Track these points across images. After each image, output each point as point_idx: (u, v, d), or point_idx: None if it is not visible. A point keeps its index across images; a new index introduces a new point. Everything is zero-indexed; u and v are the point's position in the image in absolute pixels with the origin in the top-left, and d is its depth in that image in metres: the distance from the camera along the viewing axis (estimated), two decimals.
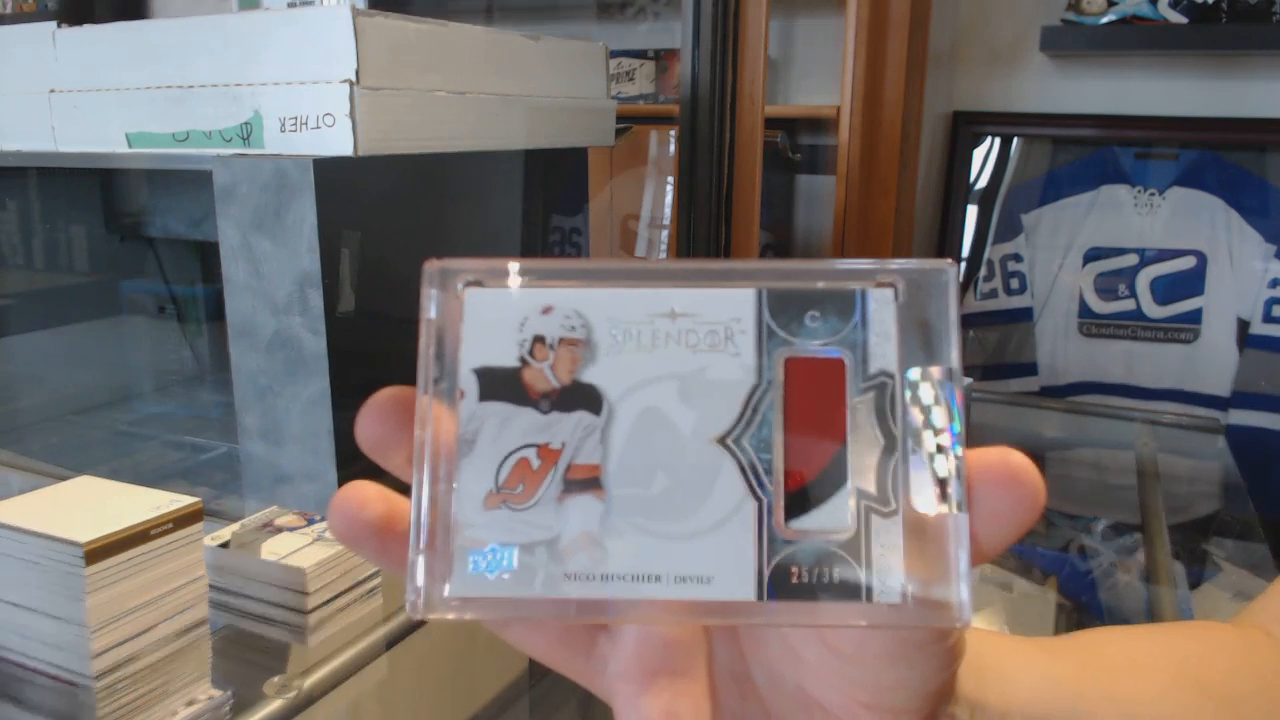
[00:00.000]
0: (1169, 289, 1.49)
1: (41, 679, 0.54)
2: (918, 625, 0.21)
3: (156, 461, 0.97)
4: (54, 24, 0.86)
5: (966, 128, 1.58)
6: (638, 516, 0.22)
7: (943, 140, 1.61)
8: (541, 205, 1.10)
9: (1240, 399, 1.45)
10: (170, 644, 0.57)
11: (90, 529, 0.52)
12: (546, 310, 0.22)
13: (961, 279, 1.61)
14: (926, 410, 0.22)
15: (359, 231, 0.80)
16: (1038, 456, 1.15)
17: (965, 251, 1.61)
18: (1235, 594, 0.83)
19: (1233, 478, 1.10)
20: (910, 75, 1.41)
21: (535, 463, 0.22)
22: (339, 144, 0.74)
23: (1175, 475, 1.12)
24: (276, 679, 0.61)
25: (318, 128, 0.75)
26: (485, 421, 0.22)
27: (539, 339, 0.22)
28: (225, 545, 0.66)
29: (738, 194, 1.29)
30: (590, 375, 0.22)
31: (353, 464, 0.79)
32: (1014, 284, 1.57)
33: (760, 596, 0.21)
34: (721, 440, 0.22)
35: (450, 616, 0.22)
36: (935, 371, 0.22)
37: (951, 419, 0.21)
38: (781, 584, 0.21)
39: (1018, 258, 1.57)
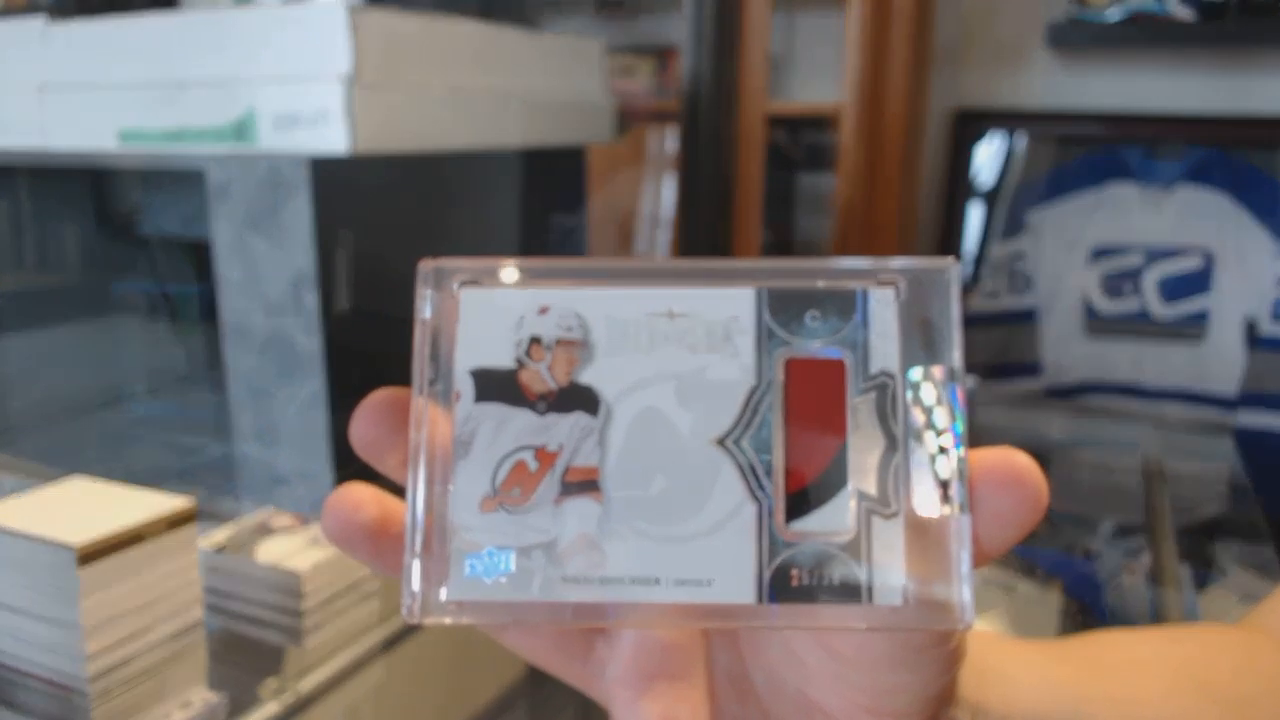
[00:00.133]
0: (1176, 288, 1.49)
1: (35, 682, 0.54)
2: (919, 628, 0.21)
3: (150, 462, 0.96)
4: (45, 19, 0.86)
5: (971, 125, 1.58)
6: (636, 519, 0.22)
7: (947, 137, 1.60)
8: (540, 203, 1.10)
9: (1248, 399, 1.45)
10: (165, 647, 0.56)
11: (83, 531, 0.52)
12: (543, 310, 0.22)
13: (966, 278, 1.60)
14: (928, 410, 0.21)
15: (354, 230, 0.80)
16: (1042, 457, 1.14)
17: (969, 250, 1.60)
18: (1242, 597, 0.82)
19: (1240, 479, 1.10)
20: (914, 72, 1.41)
21: (532, 465, 0.22)
22: (334, 142, 0.74)
23: (1182, 477, 1.12)
24: (272, 682, 0.61)
25: (312, 125, 0.74)
26: (481, 423, 0.22)
27: (535, 339, 0.22)
28: (220, 547, 0.66)
29: (739, 192, 1.28)
30: (588, 376, 0.22)
31: (349, 465, 0.79)
32: (1019, 283, 1.57)
33: (760, 599, 0.21)
34: (721, 441, 0.22)
35: (447, 620, 0.22)
36: (937, 371, 0.21)
37: (953, 419, 0.21)
38: (781, 586, 0.21)
39: (1022, 256, 1.57)
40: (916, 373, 0.21)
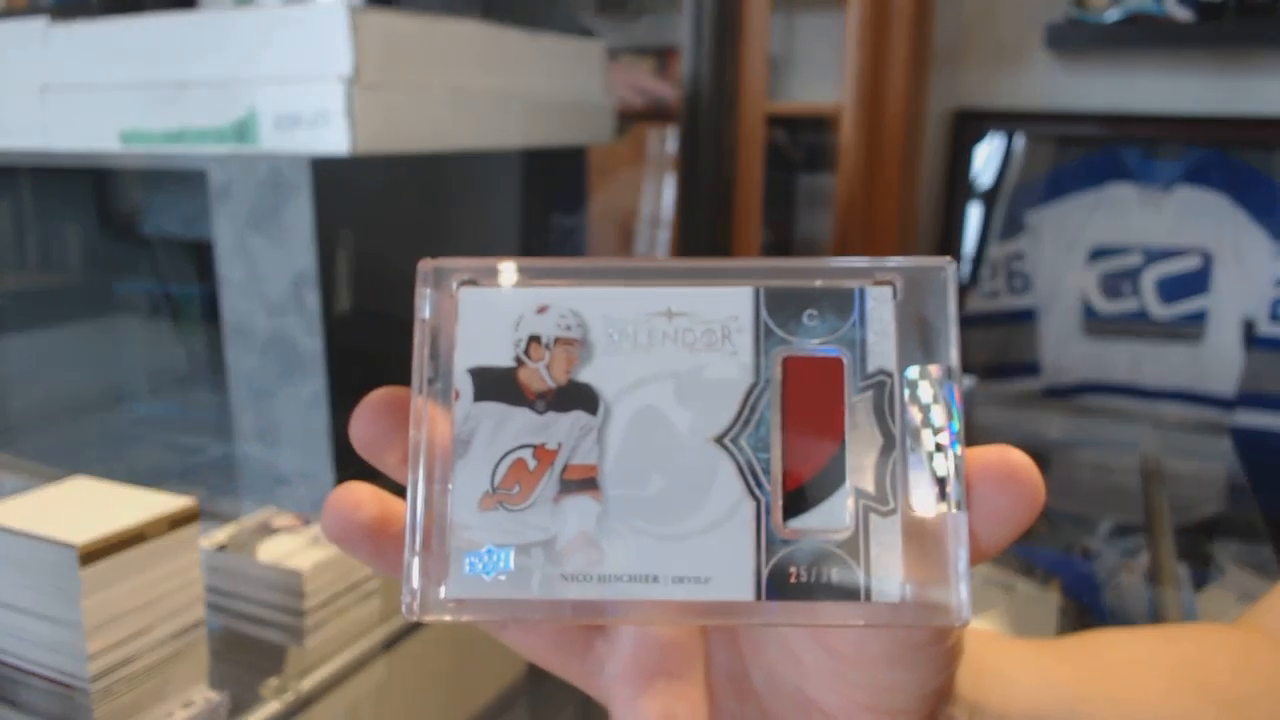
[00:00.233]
0: (1174, 288, 1.49)
1: (36, 681, 0.54)
2: (916, 625, 0.21)
3: (151, 462, 0.96)
4: (47, 20, 0.86)
5: (970, 125, 1.58)
6: (635, 517, 0.22)
7: (946, 138, 1.60)
8: (540, 204, 1.10)
9: (1247, 399, 1.45)
10: (166, 646, 0.56)
11: (85, 530, 0.52)
12: (542, 309, 0.22)
13: (965, 278, 1.60)
14: (925, 409, 0.21)
15: (355, 231, 0.80)
16: (1041, 457, 1.15)
17: (968, 250, 1.60)
18: (1240, 596, 0.82)
19: (1238, 479, 1.10)
20: (913, 72, 1.41)
21: (531, 463, 0.22)
22: (335, 142, 0.74)
23: (1180, 476, 1.12)
24: (273, 681, 0.61)
25: (313, 126, 0.74)
26: (480, 422, 0.22)
27: (534, 338, 0.22)
28: (222, 547, 0.66)
29: (739, 192, 1.29)
30: (586, 375, 0.22)
31: (350, 465, 0.79)
32: (1017, 283, 1.57)
33: (758, 597, 0.21)
34: (719, 440, 0.22)
35: (446, 618, 0.22)
36: (934, 370, 0.22)
37: (950, 417, 0.21)
38: (779, 584, 0.21)
39: (1021, 257, 1.57)
40: (913, 371, 0.22)
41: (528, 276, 0.23)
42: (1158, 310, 1.50)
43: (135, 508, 0.55)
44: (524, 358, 0.22)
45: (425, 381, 0.22)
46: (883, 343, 0.22)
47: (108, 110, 0.84)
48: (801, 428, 0.22)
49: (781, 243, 1.71)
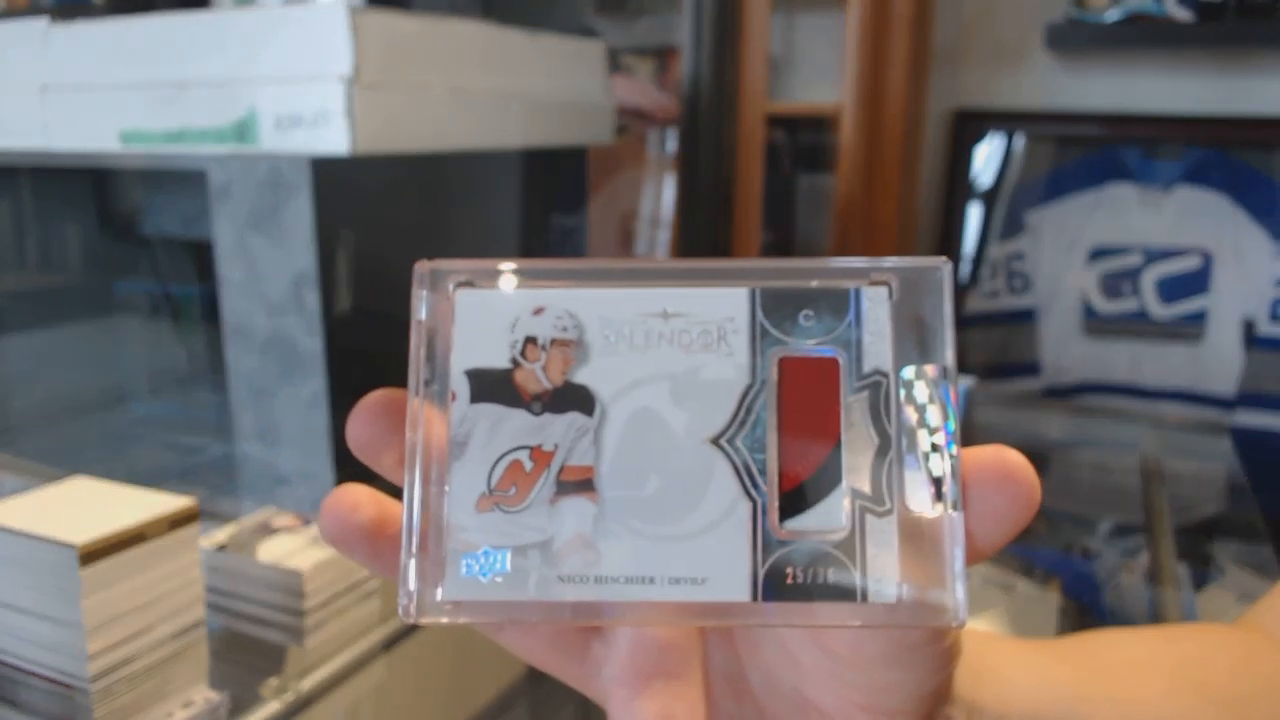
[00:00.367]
0: (1174, 288, 1.49)
1: (37, 681, 0.54)
2: (913, 626, 0.21)
3: (151, 462, 0.97)
4: (47, 20, 0.86)
5: (970, 125, 1.58)
6: (631, 518, 0.22)
7: (946, 138, 1.60)
8: (541, 204, 1.10)
9: (1246, 399, 1.45)
10: (166, 646, 0.56)
11: (85, 530, 0.52)
12: (538, 311, 0.22)
13: (965, 278, 1.60)
14: (921, 409, 0.21)
15: (355, 231, 0.80)
16: (1041, 457, 1.15)
17: (968, 250, 1.60)
18: (1240, 596, 0.82)
19: (1238, 479, 1.09)
20: (913, 72, 1.41)
21: (528, 465, 0.22)
22: (335, 142, 0.74)
23: (1180, 476, 1.12)
24: (274, 681, 0.61)
25: (313, 126, 0.74)
26: (477, 423, 0.22)
27: (531, 340, 0.22)
28: (222, 547, 0.66)
29: (739, 193, 1.29)
30: (583, 376, 0.22)
31: (350, 465, 0.79)
32: (1017, 283, 1.57)
33: (755, 597, 0.21)
34: (715, 441, 0.22)
35: (443, 620, 0.22)
36: (930, 370, 0.22)
37: (946, 418, 0.21)
38: (776, 585, 0.21)
39: (1021, 257, 1.57)
40: (909, 371, 0.22)
41: (524, 278, 0.23)
42: (1158, 310, 1.50)
43: (135, 508, 0.55)
44: (520, 359, 0.22)
45: (422, 383, 0.22)
46: (879, 343, 0.22)
47: (108, 110, 0.84)
48: (797, 428, 0.22)
49: (782, 243, 1.71)
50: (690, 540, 0.22)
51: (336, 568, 0.65)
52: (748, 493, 0.22)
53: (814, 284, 0.22)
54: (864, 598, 0.21)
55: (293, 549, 0.65)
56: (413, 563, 0.22)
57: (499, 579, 0.22)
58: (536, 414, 0.22)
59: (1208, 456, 1.21)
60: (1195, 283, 1.47)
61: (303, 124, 0.75)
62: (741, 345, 0.22)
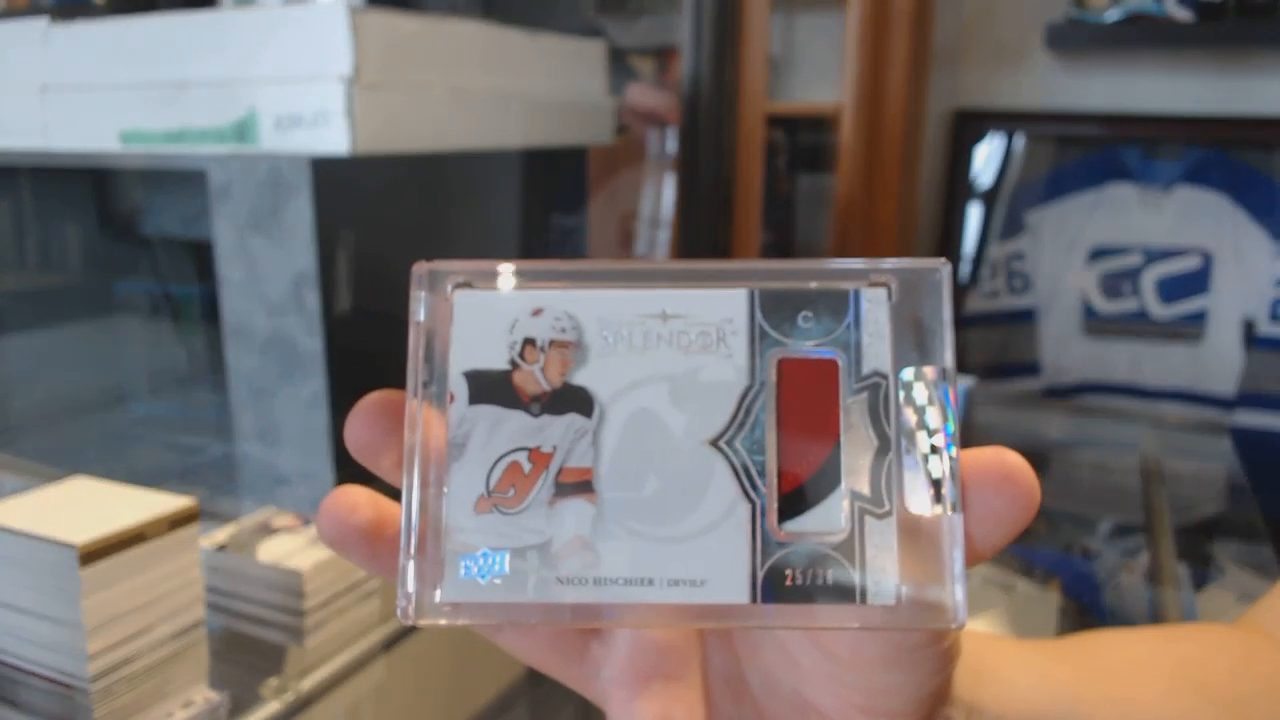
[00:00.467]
0: (1174, 288, 1.49)
1: (37, 681, 0.54)
2: (912, 627, 0.21)
3: (151, 462, 0.97)
4: (47, 20, 0.86)
5: (970, 125, 1.58)
6: (630, 520, 0.22)
7: (946, 138, 1.60)
8: (541, 204, 1.10)
9: (1246, 399, 1.45)
10: (166, 646, 0.56)
11: (85, 530, 0.52)
12: (537, 312, 0.22)
13: (965, 278, 1.60)
14: (920, 410, 0.21)
15: (355, 231, 0.80)
16: (1041, 457, 1.15)
17: (968, 251, 1.60)
18: (1240, 596, 0.82)
19: (1238, 479, 1.09)
20: (913, 72, 1.41)
21: (526, 466, 0.22)
22: (335, 142, 0.74)
23: (1180, 476, 1.12)
24: (273, 681, 0.61)
25: (313, 126, 0.74)
26: (476, 425, 0.22)
27: (529, 341, 0.22)
28: (222, 547, 0.66)
29: (738, 193, 1.28)
30: (581, 377, 0.22)
31: (349, 465, 0.79)
32: (1017, 283, 1.57)
33: (754, 599, 0.21)
34: (714, 442, 0.22)
35: (442, 622, 0.22)
36: (929, 371, 0.21)
37: (946, 419, 0.21)
38: (775, 586, 0.21)
39: (1021, 257, 1.57)
40: (909, 373, 0.22)
41: (523, 279, 0.23)
42: (1158, 310, 1.50)
43: (135, 508, 0.55)
44: (519, 360, 0.22)
45: (420, 384, 0.22)
46: (878, 344, 0.22)
47: (108, 110, 0.84)
48: (797, 430, 0.22)
49: (782, 243, 1.71)
50: (689, 542, 0.21)
51: (336, 568, 0.65)
52: (747, 494, 0.22)
53: (813, 285, 0.22)
54: (863, 599, 0.21)
55: (293, 549, 0.65)
56: (411, 564, 0.22)
57: (498, 580, 0.22)
58: (535, 415, 0.22)
59: (1208, 456, 1.21)
60: (1195, 283, 1.47)
61: (303, 124, 0.75)
62: (740, 347, 0.22)
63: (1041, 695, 0.30)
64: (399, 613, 0.22)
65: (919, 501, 0.21)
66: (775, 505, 0.21)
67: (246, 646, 0.65)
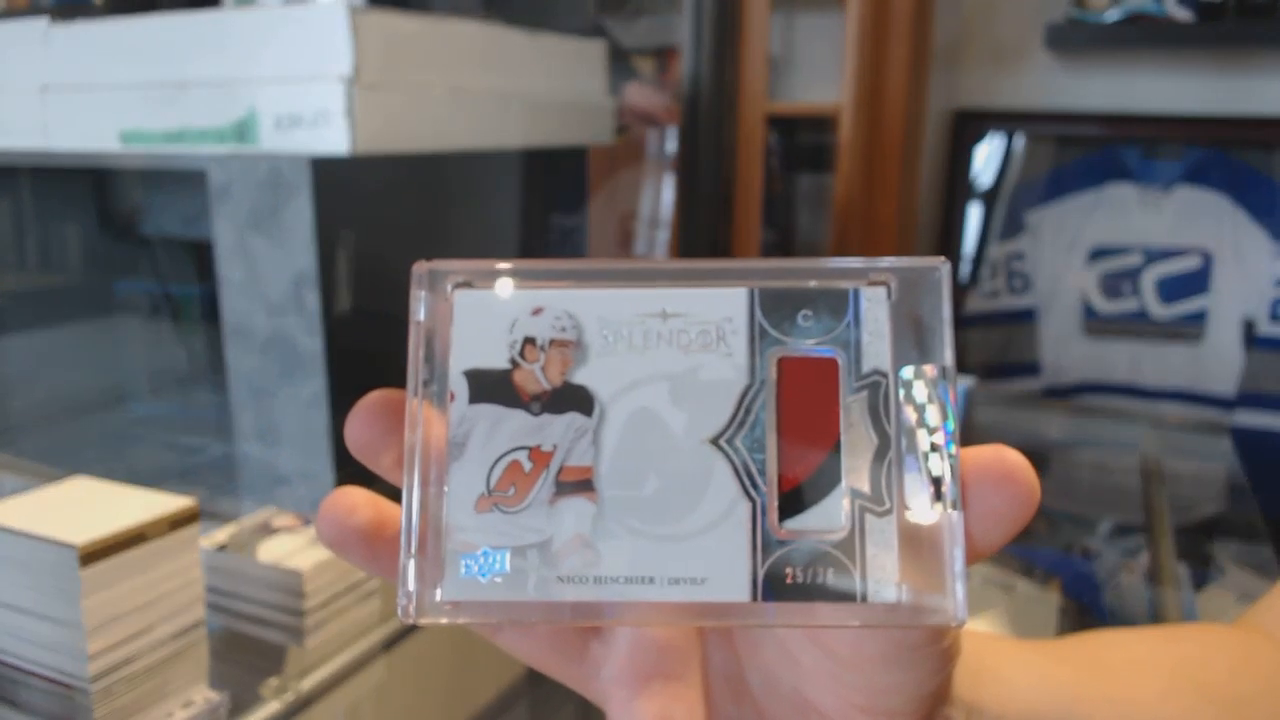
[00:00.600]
0: (1174, 288, 1.49)
1: (37, 681, 0.54)
2: (912, 626, 0.21)
3: (151, 462, 0.97)
4: (47, 20, 0.86)
5: (970, 125, 1.58)
6: (630, 518, 0.22)
7: (946, 138, 1.60)
8: (541, 204, 1.10)
9: (1246, 399, 1.45)
10: (167, 646, 0.56)
11: (85, 530, 0.52)
12: (536, 311, 0.22)
13: (965, 278, 1.60)
14: (920, 409, 0.21)
15: (355, 231, 0.80)
16: (1041, 457, 1.15)
17: (968, 250, 1.60)
18: (1240, 596, 0.82)
19: (1238, 479, 1.09)
20: (913, 72, 1.41)
21: (527, 465, 0.22)
22: (335, 142, 0.74)
23: (1180, 476, 1.12)
24: (273, 681, 0.61)
25: (314, 126, 0.74)
26: (476, 424, 0.22)
27: (529, 340, 0.22)
28: (222, 547, 0.66)
29: (738, 193, 1.29)
30: (581, 376, 0.22)
31: (350, 465, 0.79)
32: (1017, 283, 1.57)
33: (754, 598, 0.21)
34: (714, 441, 0.22)
35: (442, 621, 0.22)
36: (929, 370, 0.21)
37: (945, 418, 0.21)
38: (776, 585, 0.21)
39: (1021, 257, 1.57)
40: (908, 371, 0.22)
41: (523, 278, 0.23)
42: (1157, 310, 1.50)
43: (135, 508, 0.55)
44: (519, 360, 0.22)
45: (420, 384, 0.22)
46: (877, 343, 0.22)
47: (108, 110, 0.84)
48: (797, 429, 0.22)
49: (782, 244, 1.71)
50: (689, 540, 0.21)
51: (337, 568, 0.65)
52: (747, 493, 0.22)
53: (813, 284, 0.22)
54: (863, 598, 0.21)
55: (293, 549, 0.65)
56: (412, 563, 0.22)
57: (498, 579, 0.22)
58: (535, 414, 0.22)
59: (1207, 456, 1.21)
60: (1195, 283, 1.47)
61: (303, 124, 0.75)
62: (740, 345, 0.22)
63: (1041, 695, 0.30)
64: (399, 611, 0.22)
65: (919, 500, 0.21)
66: (775, 504, 0.21)
67: (247, 646, 0.65)
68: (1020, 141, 1.57)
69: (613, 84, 1.12)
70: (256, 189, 0.78)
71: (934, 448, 0.21)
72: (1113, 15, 1.40)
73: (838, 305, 0.22)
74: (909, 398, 0.21)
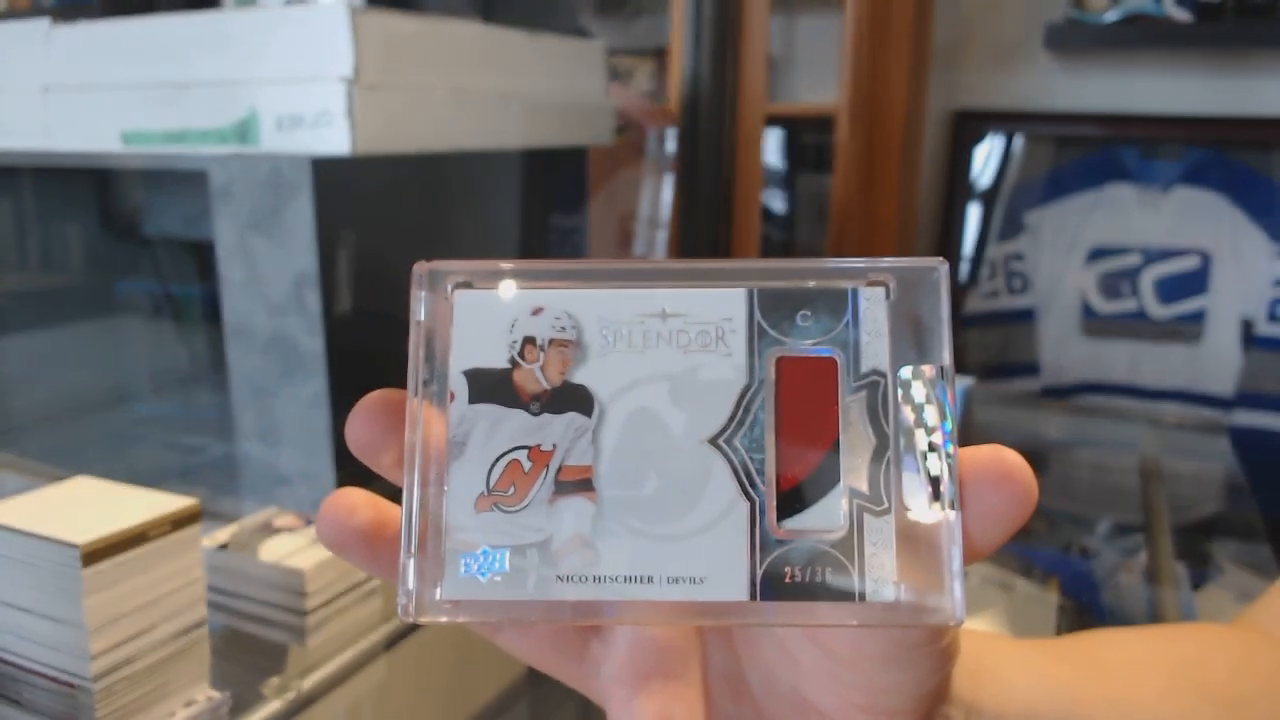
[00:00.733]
0: (1173, 288, 1.49)
1: (39, 680, 0.54)
2: (911, 625, 0.21)
3: (153, 462, 0.97)
4: (48, 21, 0.86)
5: (970, 126, 1.58)
6: (630, 518, 0.22)
7: (945, 139, 1.60)
8: (541, 204, 1.10)
9: (1245, 399, 1.45)
10: (168, 645, 0.56)
11: (87, 530, 0.52)
12: (536, 311, 0.22)
13: (964, 278, 1.60)
14: (919, 409, 0.21)
15: (356, 231, 0.80)
16: (1039, 457, 1.15)
17: (967, 251, 1.60)
18: (1238, 595, 0.82)
19: (1236, 478, 1.09)
20: (912, 73, 1.41)
21: (526, 465, 0.22)
22: (336, 142, 0.74)
23: (1178, 476, 1.12)
24: (275, 680, 0.61)
25: (314, 126, 0.75)
26: (476, 424, 0.22)
27: (529, 340, 0.22)
28: (224, 546, 0.66)
29: (738, 194, 1.29)
30: (581, 376, 0.22)
31: (350, 465, 0.79)
32: (1016, 283, 1.57)
33: (753, 597, 0.21)
34: (713, 441, 0.22)
35: (442, 619, 0.22)
36: (927, 370, 0.22)
37: (944, 417, 0.21)
38: (774, 584, 0.21)
39: (1020, 257, 1.57)
40: (907, 371, 0.22)
41: (522, 279, 0.23)
42: (1156, 310, 1.50)
43: (137, 507, 0.55)
44: (519, 359, 0.22)
45: (420, 383, 0.22)
46: (876, 343, 0.22)
47: (109, 111, 0.84)
48: (796, 428, 0.22)
49: (782, 244, 1.71)
50: (689, 540, 0.22)
51: (338, 567, 0.65)
52: (746, 492, 0.22)
53: (811, 284, 0.22)
54: (862, 597, 0.21)
55: (294, 548, 0.66)
56: (412, 562, 0.22)
57: (498, 578, 0.22)
58: (535, 414, 0.22)
59: (1206, 456, 1.21)
60: (1194, 283, 1.47)
61: (304, 124, 0.75)
62: (739, 345, 0.22)
63: (1040, 694, 0.30)
64: (399, 610, 0.22)
65: (917, 499, 0.21)
66: (774, 503, 0.22)
67: (248, 646, 0.65)
68: (1020, 142, 1.57)
69: None
70: (257, 189, 0.78)
71: (932, 447, 0.21)
72: (1112, 16, 1.40)
73: (837, 305, 0.22)
74: (907, 398, 0.22)
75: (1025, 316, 1.57)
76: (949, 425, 0.21)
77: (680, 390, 0.22)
